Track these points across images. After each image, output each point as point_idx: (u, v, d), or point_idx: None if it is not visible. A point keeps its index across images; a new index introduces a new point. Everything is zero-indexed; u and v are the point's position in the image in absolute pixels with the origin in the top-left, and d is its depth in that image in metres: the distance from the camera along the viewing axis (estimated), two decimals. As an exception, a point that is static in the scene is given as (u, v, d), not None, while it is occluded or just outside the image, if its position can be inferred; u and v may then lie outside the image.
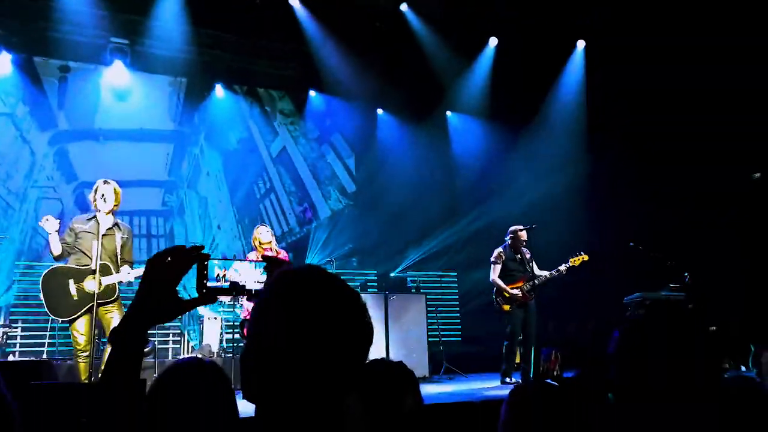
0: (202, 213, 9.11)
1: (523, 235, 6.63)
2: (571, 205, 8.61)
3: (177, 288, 1.13)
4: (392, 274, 8.98)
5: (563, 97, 9.48)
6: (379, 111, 10.10)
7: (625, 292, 6.80)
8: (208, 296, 1.17)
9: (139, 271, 5.01)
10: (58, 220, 4.74)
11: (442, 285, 9.64)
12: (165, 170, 8.95)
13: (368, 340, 1.02)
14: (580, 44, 9.35)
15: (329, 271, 1.06)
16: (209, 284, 1.16)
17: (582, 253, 6.52)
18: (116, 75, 8.47)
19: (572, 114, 9.35)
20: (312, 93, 9.72)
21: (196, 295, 1.17)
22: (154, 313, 1.10)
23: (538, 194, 8.60)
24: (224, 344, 7.25)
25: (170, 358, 7.40)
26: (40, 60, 8.35)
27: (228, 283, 1.06)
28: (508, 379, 6.38)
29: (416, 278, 9.05)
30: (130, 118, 8.71)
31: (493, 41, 9.28)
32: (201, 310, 7.78)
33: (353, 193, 10.11)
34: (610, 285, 7.58)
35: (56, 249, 4.74)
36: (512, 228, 6.72)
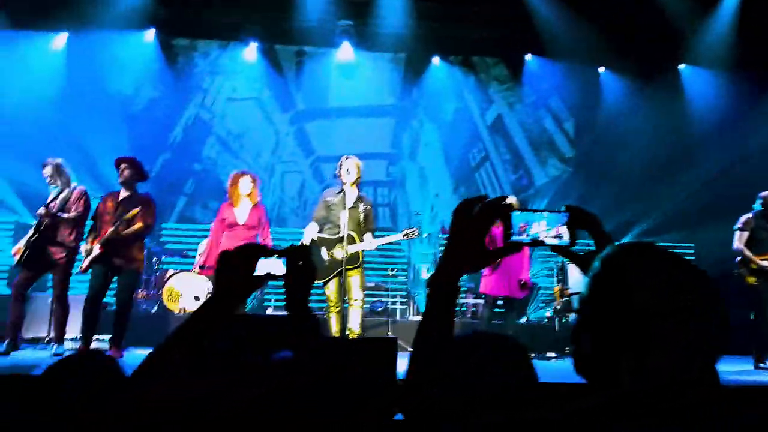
0: (422, 182, 9.48)
1: (777, 201, 5.80)
2: None
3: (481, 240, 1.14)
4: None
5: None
6: (601, 69, 9.48)
7: None
8: (513, 247, 1.17)
9: (379, 240, 5.39)
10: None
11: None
12: (388, 143, 9.48)
13: (724, 323, 0.96)
14: None
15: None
16: (514, 237, 1.17)
17: None
18: (344, 55, 9.12)
19: None
20: (528, 56, 9.46)
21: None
22: (463, 262, 1.12)
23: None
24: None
25: (399, 318, 7.90)
26: (280, 47, 9.30)
27: (529, 237, 1.06)
28: (762, 364, 5.70)
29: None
30: (357, 96, 9.36)
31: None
32: (426, 274, 8.18)
33: (572, 158, 9.70)
34: None
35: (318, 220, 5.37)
36: (764, 193, 5.92)
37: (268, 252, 1.46)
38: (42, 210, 5.10)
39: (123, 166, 5.29)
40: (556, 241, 1.17)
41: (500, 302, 6.11)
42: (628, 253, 0.99)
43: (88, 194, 5.36)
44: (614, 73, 9.37)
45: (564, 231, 1.17)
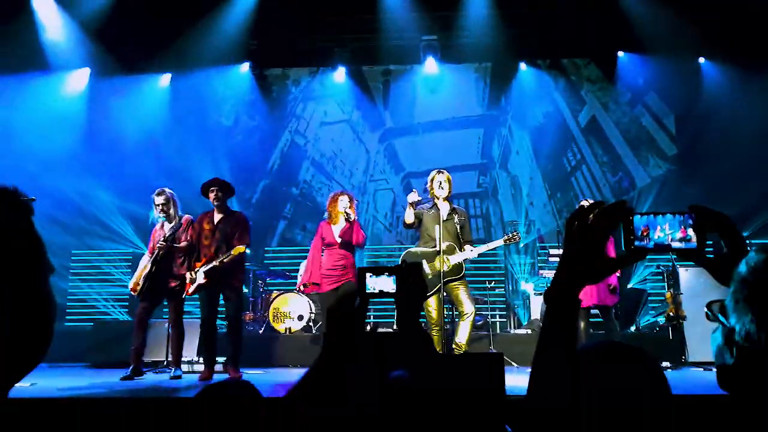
0: (515, 191, 9.32)
1: None
2: None
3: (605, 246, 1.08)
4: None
5: None
6: (701, 60, 8.95)
7: None
8: (637, 254, 1.11)
9: (481, 248, 5.35)
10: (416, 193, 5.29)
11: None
12: (478, 153, 9.41)
13: None
14: None
15: None
16: (636, 243, 1.10)
17: None
18: (429, 70, 9.19)
19: None
20: (620, 54, 9.10)
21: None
22: (583, 272, 1.07)
23: None
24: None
25: (499, 332, 7.77)
26: (367, 69, 9.53)
27: (652, 242, 1.00)
28: None
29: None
30: (443, 109, 9.40)
31: None
32: (525, 285, 8.00)
33: (675, 156, 9.18)
34: None
35: (409, 218, 5.30)
36: None
37: (378, 270, 1.50)
38: (162, 243, 5.39)
39: (213, 188, 5.47)
40: (682, 245, 1.11)
41: (594, 311, 5.82)
42: None
43: (194, 222, 5.68)
44: (715, 63, 8.81)
45: (691, 233, 1.10)
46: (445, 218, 5.25)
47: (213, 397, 1.39)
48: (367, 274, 1.52)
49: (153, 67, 8.96)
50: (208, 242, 5.42)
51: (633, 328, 7.35)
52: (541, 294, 7.29)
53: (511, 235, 5.41)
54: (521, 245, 8.14)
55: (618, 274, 7.30)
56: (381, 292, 1.50)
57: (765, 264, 0.95)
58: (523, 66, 9.29)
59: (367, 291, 1.52)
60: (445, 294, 5.19)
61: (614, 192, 9.15)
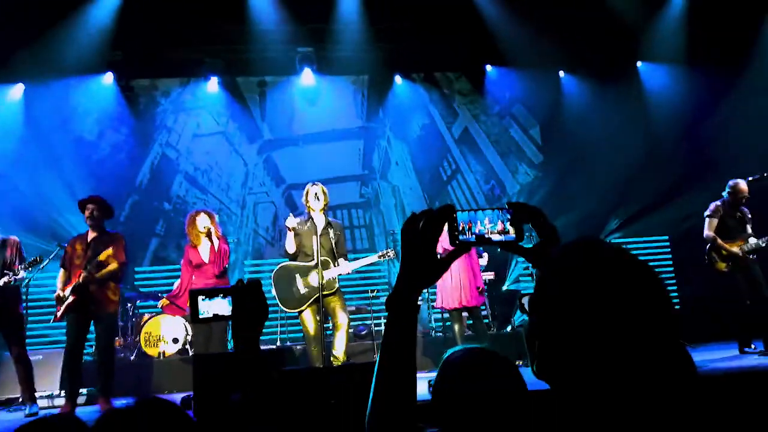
0: (397, 201, 9.48)
1: (745, 189, 5.91)
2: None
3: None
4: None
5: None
6: (561, 73, 9.63)
7: None
8: (461, 248, 1.18)
9: (355, 263, 5.36)
10: (295, 219, 5.18)
11: (652, 251, 8.96)
12: (359, 164, 9.48)
13: (669, 314, 0.93)
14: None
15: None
16: (460, 237, 1.18)
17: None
18: (306, 82, 9.14)
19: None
20: (488, 68, 9.57)
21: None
22: (420, 276, 1.12)
23: (754, 147, 7.54)
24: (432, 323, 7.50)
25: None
26: (242, 79, 9.29)
27: (474, 236, 1.06)
28: (747, 348, 5.75)
29: (623, 246, 8.50)
30: (323, 121, 9.36)
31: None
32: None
33: (541, 163, 9.78)
34: None
35: (291, 247, 5.20)
36: (732, 181, 6.02)
37: (212, 293, 1.42)
38: (3, 280, 4.90)
39: (90, 206, 5.16)
40: (502, 237, 1.18)
41: (465, 314, 6.02)
42: (572, 252, 0.98)
43: (20, 243, 5.23)
44: (574, 75, 9.52)
45: (509, 226, 1.19)
46: (321, 231, 5.20)
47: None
48: (200, 297, 1.43)
49: (3, 77, 8.18)
50: (79, 262, 5.05)
51: (509, 328, 7.69)
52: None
53: (385, 252, 5.48)
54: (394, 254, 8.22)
55: (492, 277, 7.65)
56: (215, 315, 1.42)
57: (548, 266, 1.01)
58: (398, 79, 9.49)
59: (200, 316, 1.44)
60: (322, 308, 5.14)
61: (488, 199, 9.58)
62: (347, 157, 9.42)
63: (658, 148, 8.93)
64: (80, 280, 4.91)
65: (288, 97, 9.35)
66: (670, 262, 9.00)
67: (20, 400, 5.47)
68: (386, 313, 1.14)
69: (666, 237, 9.07)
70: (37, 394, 5.16)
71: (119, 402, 5.06)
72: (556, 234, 1.17)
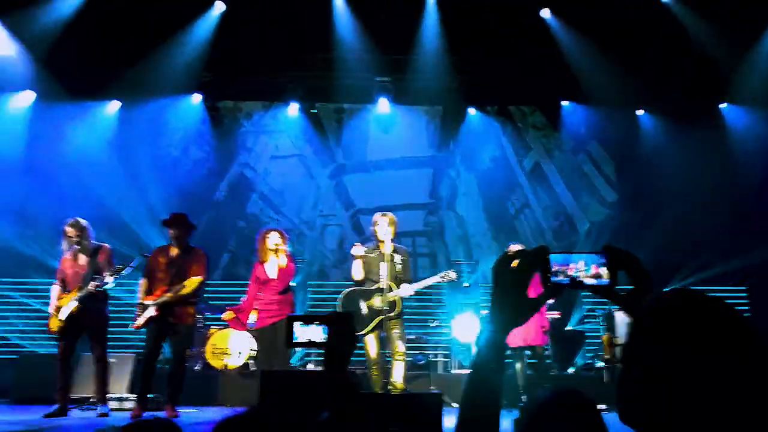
0: (461, 232, 9.46)
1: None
2: None
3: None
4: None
5: None
6: (640, 112, 9.42)
7: None
8: (553, 289, 1.17)
9: (417, 285, 5.36)
10: (363, 248, 5.28)
11: (731, 301, 8.51)
12: (426, 193, 9.56)
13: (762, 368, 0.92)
14: None
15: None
16: (552, 279, 1.16)
17: None
18: (382, 110, 9.36)
19: None
20: (564, 103, 9.49)
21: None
22: (510, 316, 1.12)
23: None
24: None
25: (440, 372, 7.75)
26: (320, 105, 9.62)
27: (569, 279, 1.04)
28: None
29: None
30: (394, 148, 9.54)
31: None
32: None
33: (614, 202, 9.54)
34: None
35: (358, 275, 5.27)
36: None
37: (308, 319, 1.50)
38: (93, 284, 5.17)
39: (176, 225, 5.37)
40: (595, 281, 1.16)
41: (527, 353, 5.89)
42: (670, 301, 0.98)
43: (112, 251, 5.50)
44: (653, 115, 9.30)
45: (603, 271, 1.16)
46: (388, 258, 5.27)
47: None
48: (296, 323, 1.52)
49: (102, 95, 8.81)
50: (162, 276, 5.30)
51: (571, 370, 7.48)
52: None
53: (446, 273, 5.45)
54: (465, 285, 8.15)
55: (557, 316, 7.49)
56: (310, 341, 1.50)
57: (644, 314, 1.01)
58: (472, 111, 9.57)
59: (295, 340, 1.52)
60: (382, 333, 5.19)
61: (556, 235, 9.41)
62: (416, 185, 9.53)
63: (740, 194, 8.54)
64: (165, 299, 5.14)
65: (363, 124, 9.61)
66: (749, 312, 8.50)
67: (91, 399, 5.71)
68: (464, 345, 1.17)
69: (744, 287, 8.60)
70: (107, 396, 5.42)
71: (183, 410, 5.28)
72: (651, 282, 1.15)
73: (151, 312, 5.15)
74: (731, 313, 0.94)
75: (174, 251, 5.40)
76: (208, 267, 5.49)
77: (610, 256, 1.17)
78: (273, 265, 5.65)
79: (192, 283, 5.21)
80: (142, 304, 5.24)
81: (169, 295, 5.15)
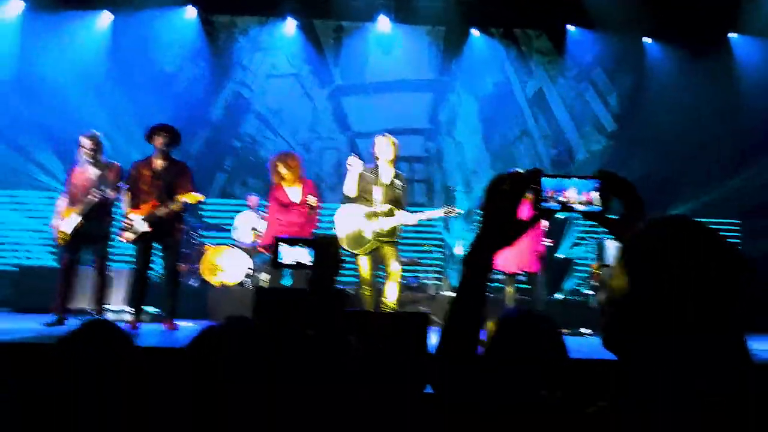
0: (459, 158, 9.40)
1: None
2: None
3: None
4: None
5: None
6: (646, 40, 9.16)
7: None
8: (543, 214, 1.17)
9: (420, 215, 5.41)
10: (362, 162, 5.23)
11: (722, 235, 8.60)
12: (426, 118, 9.42)
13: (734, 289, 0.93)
14: None
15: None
16: (543, 204, 1.15)
17: None
18: (382, 29, 9.07)
19: None
20: (571, 28, 9.20)
21: None
22: (498, 238, 1.13)
23: None
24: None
25: (432, 293, 7.91)
26: (318, 23, 9.30)
27: (559, 204, 1.03)
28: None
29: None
30: (395, 70, 9.31)
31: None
32: (458, 249, 8.17)
33: (613, 132, 9.44)
34: None
35: (352, 190, 5.21)
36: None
37: (293, 241, 1.51)
38: (96, 192, 5.17)
39: (163, 134, 5.24)
40: (586, 207, 1.15)
41: (521, 278, 5.98)
42: (660, 227, 0.98)
43: (122, 170, 5.44)
44: (659, 43, 9.04)
45: (595, 197, 1.15)
46: (387, 182, 5.26)
47: (75, 340, 1.39)
48: (281, 244, 1.53)
49: (93, 3, 8.51)
50: (147, 188, 5.22)
51: (559, 295, 7.66)
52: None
53: (451, 209, 5.46)
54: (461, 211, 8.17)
55: (551, 244, 7.58)
56: (298, 263, 1.52)
57: (634, 240, 1.01)
58: (475, 32, 9.27)
59: (280, 261, 1.53)
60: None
61: (553, 164, 9.37)
62: (415, 109, 9.36)
63: (745, 130, 8.45)
64: (158, 214, 5.12)
65: (363, 44, 9.32)
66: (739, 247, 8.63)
67: (89, 310, 5.77)
68: (456, 268, 1.18)
69: (738, 221, 8.67)
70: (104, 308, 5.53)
71: (181, 323, 5.42)
72: (643, 209, 1.15)
73: (144, 227, 5.15)
74: (721, 242, 0.95)
75: (158, 164, 5.27)
76: (193, 182, 5.38)
77: (605, 181, 1.16)
78: (295, 189, 5.63)
79: (192, 198, 5.18)
80: (128, 217, 5.21)
81: (163, 210, 5.14)
